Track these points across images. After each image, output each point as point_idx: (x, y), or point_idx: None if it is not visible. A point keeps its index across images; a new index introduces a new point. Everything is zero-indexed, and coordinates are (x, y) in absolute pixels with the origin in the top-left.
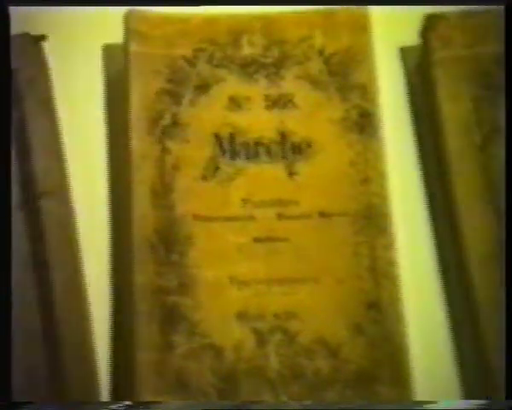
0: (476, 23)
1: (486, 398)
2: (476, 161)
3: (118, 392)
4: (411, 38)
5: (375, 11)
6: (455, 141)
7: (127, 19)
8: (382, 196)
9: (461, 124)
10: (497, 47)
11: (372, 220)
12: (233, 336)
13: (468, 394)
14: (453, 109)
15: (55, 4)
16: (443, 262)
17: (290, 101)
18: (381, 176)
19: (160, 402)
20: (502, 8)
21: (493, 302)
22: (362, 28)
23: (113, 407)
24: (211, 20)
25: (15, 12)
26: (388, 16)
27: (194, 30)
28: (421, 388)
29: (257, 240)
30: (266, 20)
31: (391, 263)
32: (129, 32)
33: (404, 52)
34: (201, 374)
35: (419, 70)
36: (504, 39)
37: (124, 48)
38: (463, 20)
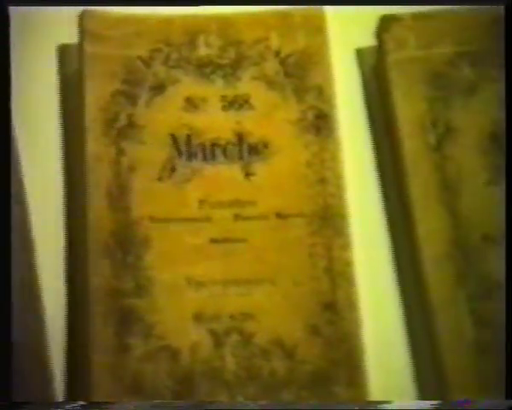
0: (430, 24)
1: (440, 398)
2: (431, 162)
3: (73, 394)
4: (367, 39)
5: (331, 12)
6: (410, 141)
7: (82, 19)
8: (338, 197)
9: (415, 124)
10: (450, 48)
11: (328, 221)
12: (189, 337)
13: (422, 394)
14: (408, 110)
15: (55, 4)
16: (399, 262)
17: (246, 102)
18: (337, 177)
19: (114, 403)
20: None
21: (448, 302)
22: (318, 29)
23: (68, 407)
24: (166, 21)
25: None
26: (344, 18)
27: (150, 30)
28: (376, 388)
29: (214, 241)
30: (222, 20)
31: (347, 263)
32: (84, 32)
33: (360, 53)
34: (158, 376)
35: (375, 71)
36: (504, 39)
37: (79, 48)
38: (417, 21)
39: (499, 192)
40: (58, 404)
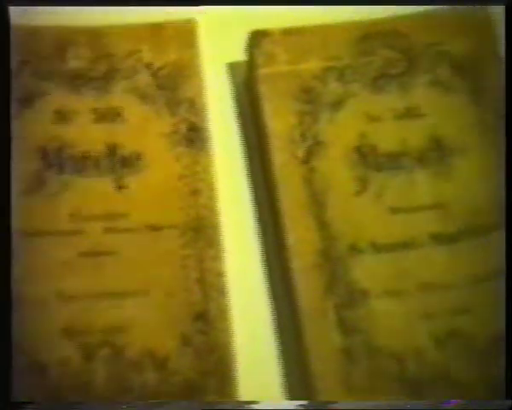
0: (298, 40)
1: (308, 399)
2: (299, 174)
3: None
4: (240, 53)
5: (203, 26)
6: (280, 154)
7: None
8: (211, 209)
9: (285, 138)
10: (318, 63)
11: (201, 233)
12: (59, 352)
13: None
14: (278, 124)
15: (56, 4)
16: (270, 272)
17: (119, 115)
18: (209, 188)
19: None
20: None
21: (316, 311)
22: (189, 43)
23: None
24: (35, 32)
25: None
26: (217, 32)
27: (19, 42)
28: (246, 397)
29: (85, 254)
30: (93, 33)
31: (219, 274)
32: None
33: (233, 67)
34: (25, 393)
35: (246, 85)
36: (504, 39)
37: None
38: (286, 36)
39: (365, 203)
40: None
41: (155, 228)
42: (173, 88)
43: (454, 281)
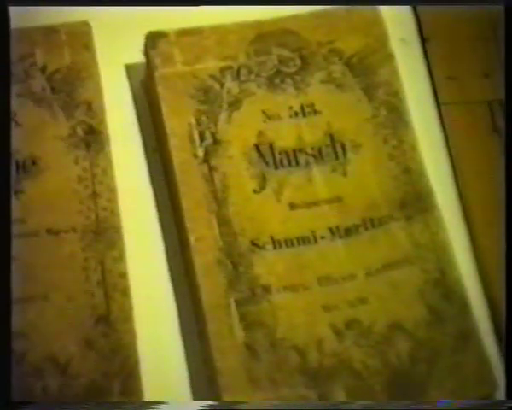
0: (194, 40)
1: (216, 398)
2: (199, 173)
3: None
4: (138, 55)
5: (100, 28)
6: (179, 154)
7: None
8: (111, 210)
9: (184, 137)
10: (214, 63)
11: (101, 235)
12: None
13: (197, 395)
14: (176, 124)
15: (56, 4)
16: (173, 271)
17: (12, 119)
18: (109, 190)
19: None
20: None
21: (219, 308)
22: (84, 46)
23: None
24: None
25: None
26: (114, 34)
27: None
28: (151, 396)
29: None
30: None
31: (121, 275)
32: None
33: (131, 69)
34: None
35: (145, 86)
36: (504, 39)
37: None
38: (181, 37)
39: (264, 200)
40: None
41: (54, 232)
42: (69, 91)
43: (351, 273)
